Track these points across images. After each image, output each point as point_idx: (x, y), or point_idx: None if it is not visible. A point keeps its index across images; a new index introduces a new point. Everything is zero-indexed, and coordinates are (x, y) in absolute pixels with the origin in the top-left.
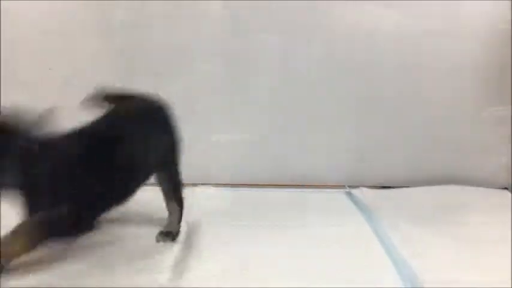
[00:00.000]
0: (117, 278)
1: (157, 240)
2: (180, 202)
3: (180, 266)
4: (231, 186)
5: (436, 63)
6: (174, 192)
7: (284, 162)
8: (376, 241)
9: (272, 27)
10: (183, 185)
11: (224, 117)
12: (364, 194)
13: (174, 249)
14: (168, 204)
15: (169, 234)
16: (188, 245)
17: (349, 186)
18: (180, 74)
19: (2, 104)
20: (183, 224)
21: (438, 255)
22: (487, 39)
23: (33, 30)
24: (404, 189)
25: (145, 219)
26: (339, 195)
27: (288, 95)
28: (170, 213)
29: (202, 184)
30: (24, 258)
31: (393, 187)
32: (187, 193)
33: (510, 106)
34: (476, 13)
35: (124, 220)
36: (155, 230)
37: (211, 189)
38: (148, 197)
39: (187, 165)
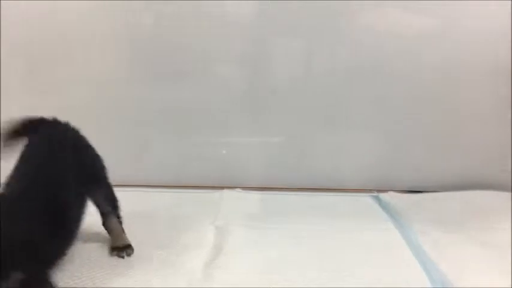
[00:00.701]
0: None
1: (120, 256)
2: (119, 216)
3: (210, 267)
4: (258, 190)
5: (465, 65)
6: (113, 208)
7: (311, 165)
8: (405, 245)
9: (293, 31)
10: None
11: (251, 120)
12: (392, 198)
13: (203, 252)
14: (107, 222)
15: (128, 247)
16: (217, 248)
17: (377, 191)
18: (202, 77)
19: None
20: (211, 226)
21: (467, 261)
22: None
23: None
24: (432, 193)
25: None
26: (366, 199)
27: (312, 98)
28: (112, 230)
29: (228, 187)
30: None
31: (421, 191)
32: (213, 196)
33: None
34: (503, 14)
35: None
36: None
37: (238, 193)
38: None
39: (215, 168)
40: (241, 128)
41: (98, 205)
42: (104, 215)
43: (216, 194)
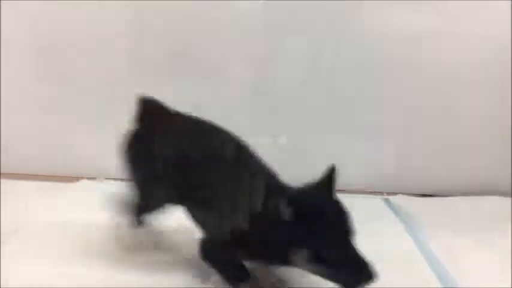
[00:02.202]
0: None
1: None
2: None
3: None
4: None
5: (476, 68)
6: None
7: (317, 166)
8: (416, 249)
9: (299, 31)
10: None
11: (256, 120)
12: (403, 201)
13: None
14: None
15: None
16: None
17: (387, 193)
18: (207, 76)
19: None
20: None
21: (479, 266)
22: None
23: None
24: (443, 198)
25: None
26: (375, 202)
27: (319, 98)
28: None
29: None
30: None
31: (432, 195)
32: None
33: None
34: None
35: None
36: None
37: None
38: None
39: None
40: (246, 128)
41: None
42: None
43: None
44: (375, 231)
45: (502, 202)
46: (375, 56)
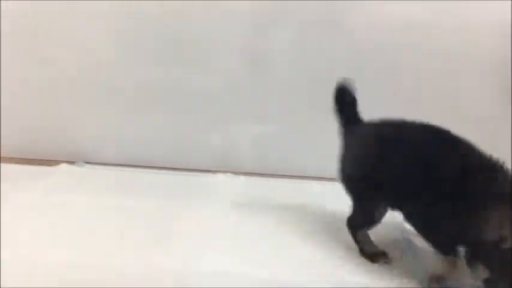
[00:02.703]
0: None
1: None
2: None
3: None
4: (251, 175)
5: (461, 55)
6: None
7: (305, 154)
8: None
9: (292, 23)
10: None
11: (244, 108)
12: None
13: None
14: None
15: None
16: (208, 231)
17: None
18: (200, 63)
19: None
20: (202, 210)
21: None
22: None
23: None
24: None
25: None
26: None
27: (309, 87)
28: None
29: (221, 172)
30: None
31: None
32: (205, 180)
33: None
34: (496, 9)
35: None
36: None
37: (230, 177)
38: None
39: (209, 153)
40: (237, 114)
41: None
42: None
43: (208, 178)
44: None
45: None
46: (364, 46)
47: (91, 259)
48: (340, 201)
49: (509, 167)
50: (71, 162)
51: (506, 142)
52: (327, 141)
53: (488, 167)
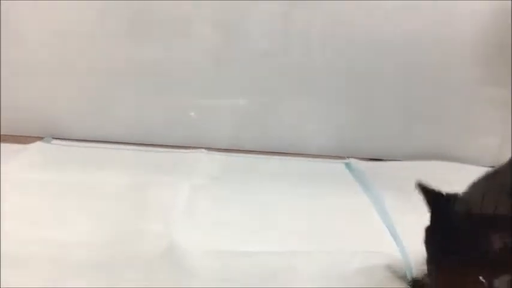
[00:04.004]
0: None
1: None
2: None
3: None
4: (224, 152)
5: (435, 39)
6: None
7: (276, 130)
8: (373, 211)
9: None
10: None
11: (220, 82)
12: (358, 164)
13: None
14: None
15: None
16: (181, 207)
17: (339, 157)
18: (173, 37)
19: None
20: (175, 186)
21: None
22: (488, 19)
23: None
24: (393, 162)
25: None
26: (333, 166)
27: (283, 62)
28: None
29: (193, 148)
30: None
31: (383, 160)
32: (179, 157)
33: (507, 88)
34: None
35: None
36: None
37: (204, 154)
38: None
39: (181, 129)
40: (209, 89)
41: None
42: None
43: (181, 154)
44: (330, 193)
45: (447, 167)
46: (341, 24)
47: (69, 236)
48: (318, 178)
49: (499, 147)
50: (40, 138)
51: (498, 123)
52: (304, 117)
53: None
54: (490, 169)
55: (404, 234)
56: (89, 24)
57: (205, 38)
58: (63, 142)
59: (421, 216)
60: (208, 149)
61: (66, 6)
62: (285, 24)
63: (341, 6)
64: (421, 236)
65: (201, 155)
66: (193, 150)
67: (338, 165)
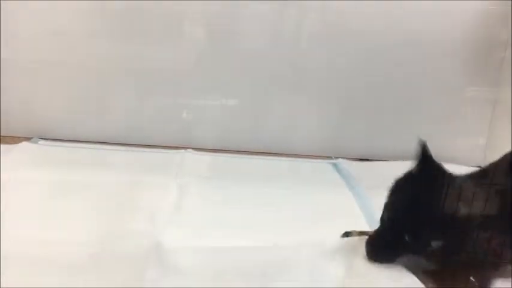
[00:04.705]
0: None
1: None
2: None
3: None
4: (212, 152)
5: (423, 39)
6: None
7: (265, 130)
8: (359, 210)
9: None
10: None
11: (210, 82)
12: (345, 165)
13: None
14: None
15: None
16: (171, 206)
17: (327, 157)
18: (165, 37)
19: None
20: (166, 186)
21: None
22: (474, 20)
23: None
24: (380, 162)
25: None
26: (321, 165)
27: (272, 63)
28: None
29: (182, 148)
30: None
31: (370, 160)
32: (167, 157)
33: (494, 88)
34: None
35: None
36: None
37: (192, 154)
38: None
39: (170, 129)
40: (198, 89)
41: None
42: None
43: (170, 154)
44: (318, 191)
45: None
46: (330, 23)
47: (57, 236)
48: (306, 178)
49: (485, 147)
50: (28, 139)
51: (486, 123)
52: (293, 117)
53: None
54: (476, 168)
55: None
56: (77, 25)
57: (195, 38)
58: (51, 142)
59: None
60: (197, 149)
61: (56, 7)
62: (275, 24)
63: (331, 6)
64: None
65: (189, 154)
66: (181, 151)
67: (326, 165)
